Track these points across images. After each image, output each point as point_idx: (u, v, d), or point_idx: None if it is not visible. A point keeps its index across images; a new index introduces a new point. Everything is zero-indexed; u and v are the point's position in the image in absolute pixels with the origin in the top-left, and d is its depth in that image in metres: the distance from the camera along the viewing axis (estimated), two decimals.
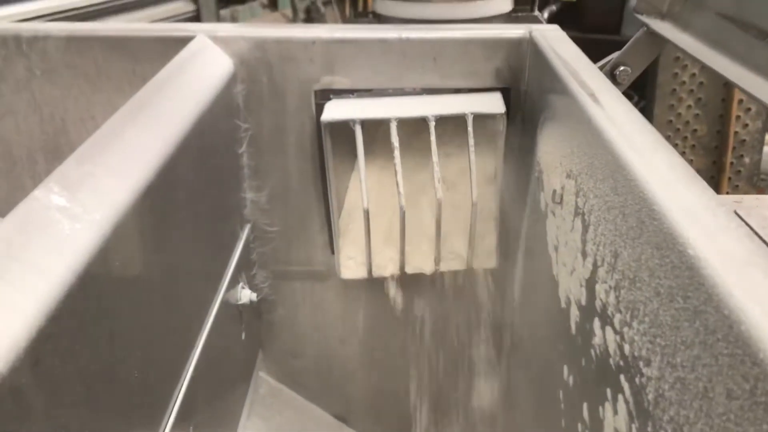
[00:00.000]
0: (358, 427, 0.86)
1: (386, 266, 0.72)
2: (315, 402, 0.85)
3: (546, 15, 3.49)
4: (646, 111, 1.63)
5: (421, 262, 0.71)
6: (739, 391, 0.26)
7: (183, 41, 0.67)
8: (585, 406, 0.45)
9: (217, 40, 0.67)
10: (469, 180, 0.66)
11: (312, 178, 0.74)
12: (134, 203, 0.42)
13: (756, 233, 0.44)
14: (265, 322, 0.80)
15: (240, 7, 2.64)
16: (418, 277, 0.72)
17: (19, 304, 0.31)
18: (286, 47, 0.68)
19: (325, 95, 0.70)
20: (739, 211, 0.50)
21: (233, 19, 2.59)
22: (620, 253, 0.39)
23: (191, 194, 0.55)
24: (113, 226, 0.39)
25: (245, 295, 0.70)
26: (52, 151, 0.73)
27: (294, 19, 2.86)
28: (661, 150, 0.40)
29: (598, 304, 0.43)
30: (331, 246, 0.75)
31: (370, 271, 0.71)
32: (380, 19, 0.79)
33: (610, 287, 0.41)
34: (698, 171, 0.43)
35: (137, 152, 0.46)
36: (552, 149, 0.56)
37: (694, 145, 1.57)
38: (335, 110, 0.67)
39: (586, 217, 0.46)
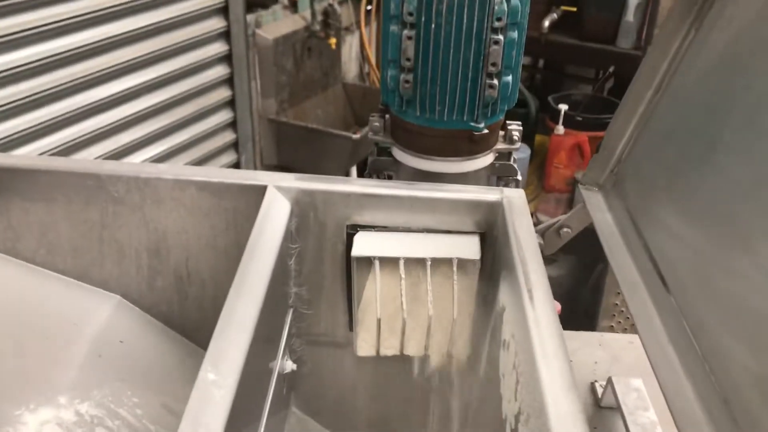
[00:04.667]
0: None
1: (390, 349, 1.01)
2: (330, 428, 1.15)
3: (547, 23, 3.71)
4: None
5: (415, 349, 1.00)
6: None
7: (255, 189, 0.94)
8: None
9: (280, 189, 0.95)
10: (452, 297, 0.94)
11: (339, 279, 1.02)
12: (246, 360, 0.70)
13: (618, 404, 0.71)
14: (298, 373, 1.09)
15: (263, 12, 2.86)
16: None
17: None
18: (329, 196, 0.95)
19: (354, 228, 0.97)
20: (614, 378, 0.78)
21: (257, 24, 2.82)
22: (531, 415, 0.68)
23: (266, 306, 0.82)
24: (237, 382, 0.67)
25: (288, 365, 0.99)
26: (154, 250, 1.01)
27: (312, 22, 3.08)
28: (560, 357, 0.68)
29: None
30: (350, 325, 1.04)
31: (378, 352, 1.00)
32: (397, 164, 1.06)
33: None
34: None
35: (246, 316, 0.74)
36: (506, 303, 0.85)
37: None
38: (362, 245, 0.95)
39: (518, 372, 0.75)
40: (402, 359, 1.05)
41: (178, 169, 0.97)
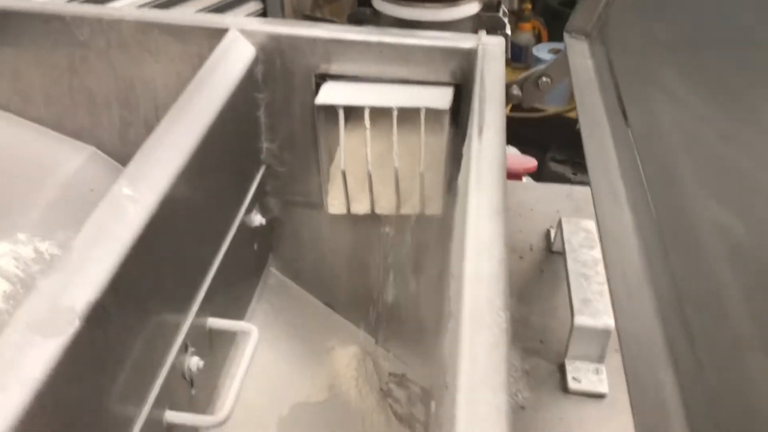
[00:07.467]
0: (340, 311, 1.15)
1: (361, 207, 0.98)
2: (310, 292, 1.14)
3: None
4: None
5: (386, 206, 0.97)
6: None
7: (220, 31, 0.90)
8: None
9: (244, 32, 0.90)
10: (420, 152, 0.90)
11: (311, 134, 0.98)
12: (174, 183, 0.68)
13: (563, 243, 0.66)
14: (275, 234, 1.08)
15: None
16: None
17: (105, 256, 0.58)
18: (296, 41, 0.91)
19: (322, 77, 0.93)
20: (564, 220, 0.72)
21: None
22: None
23: (223, 150, 0.80)
24: (159, 202, 0.65)
25: (257, 219, 0.98)
26: (123, 100, 0.99)
27: None
28: (495, 186, 0.63)
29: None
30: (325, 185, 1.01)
31: (348, 210, 0.97)
32: (377, 14, 1.00)
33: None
34: None
35: (181, 141, 0.72)
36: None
37: None
38: (327, 94, 0.91)
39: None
40: (379, 221, 1.02)
41: (142, 12, 0.94)
